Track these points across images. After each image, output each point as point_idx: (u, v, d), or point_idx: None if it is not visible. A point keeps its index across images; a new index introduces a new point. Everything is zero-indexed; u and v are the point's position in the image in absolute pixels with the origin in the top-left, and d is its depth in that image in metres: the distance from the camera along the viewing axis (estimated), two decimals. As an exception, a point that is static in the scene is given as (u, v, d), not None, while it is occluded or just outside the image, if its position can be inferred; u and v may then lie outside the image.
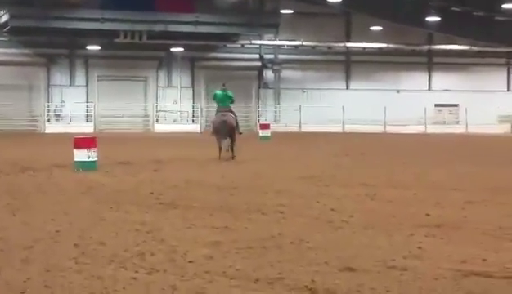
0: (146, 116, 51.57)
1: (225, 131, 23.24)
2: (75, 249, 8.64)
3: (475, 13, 50.24)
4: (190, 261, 8.02)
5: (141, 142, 34.88)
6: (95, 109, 49.76)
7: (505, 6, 43.99)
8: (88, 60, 51.10)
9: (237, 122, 24.32)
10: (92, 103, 50.44)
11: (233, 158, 23.26)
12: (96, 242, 9.03)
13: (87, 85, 51.29)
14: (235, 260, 8.06)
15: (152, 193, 13.80)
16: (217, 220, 10.89)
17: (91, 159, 18.60)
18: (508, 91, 58.45)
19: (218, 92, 24.20)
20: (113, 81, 50.73)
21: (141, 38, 47.90)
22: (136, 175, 17.69)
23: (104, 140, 26.15)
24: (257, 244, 8.92)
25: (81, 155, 18.51)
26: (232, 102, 24.35)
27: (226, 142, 23.30)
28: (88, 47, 50.01)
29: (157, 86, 52.34)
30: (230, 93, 24.24)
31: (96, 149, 18.76)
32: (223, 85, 24.44)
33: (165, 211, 11.83)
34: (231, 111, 24.08)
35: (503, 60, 57.98)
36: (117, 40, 47.73)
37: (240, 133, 24.75)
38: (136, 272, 7.54)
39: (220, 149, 23.27)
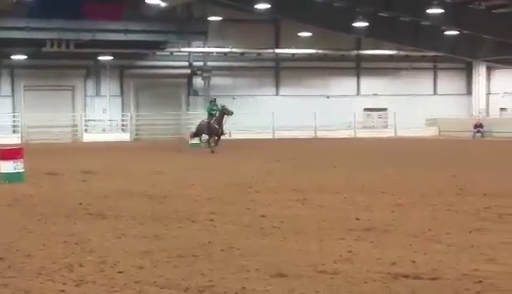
0: (75, 126, 50.90)
1: None
2: (1, 262, 8.48)
3: (402, 18, 50.86)
4: (119, 272, 7.94)
5: (70, 152, 34.43)
6: (21, 120, 48.95)
7: (430, 11, 44.60)
8: (14, 70, 50.14)
9: None
10: (18, 113, 49.60)
11: None
12: (23, 255, 8.88)
13: (13, 95, 50.35)
14: (165, 269, 8.01)
15: (81, 204, 13.63)
16: (147, 229, 10.81)
17: (17, 170, 18.28)
18: (435, 94, 59.31)
19: None
20: (40, 91, 49.83)
21: (68, 47, 47.21)
22: (65, 186, 17.45)
23: (31, 151, 25.78)
24: (187, 253, 8.88)
25: (7, 166, 18.19)
26: None
27: None
28: (14, 57, 49.12)
29: (85, 96, 51.64)
30: None
31: (22, 160, 18.44)
32: None
33: (94, 221, 11.70)
34: None
35: (430, 64, 58.84)
36: (44, 49, 47.05)
37: None
38: (65, 284, 7.43)
39: None
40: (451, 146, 39.52)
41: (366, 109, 57.05)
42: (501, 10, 46.93)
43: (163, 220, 11.65)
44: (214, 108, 33.32)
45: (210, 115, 33.12)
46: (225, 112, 32.53)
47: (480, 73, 57.32)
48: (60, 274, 7.83)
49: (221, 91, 53.09)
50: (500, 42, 50.25)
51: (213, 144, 32.20)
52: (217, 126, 32.32)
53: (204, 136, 33.95)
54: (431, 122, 55.76)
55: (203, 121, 34.08)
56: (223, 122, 32.60)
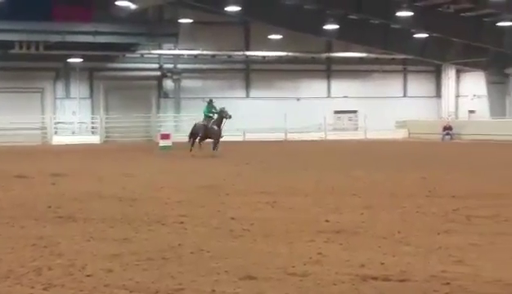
0: (44, 128, 50.55)
1: None
2: (-31, 266, 8.40)
3: (372, 21, 51.12)
4: (88, 275, 7.90)
5: (39, 155, 34.17)
6: (-10, 122, 48.56)
7: (399, 14, 44.88)
8: (-17, 72, 49.86)
9: None
10: (-14, 116, 49.21)
11: None
12: (-9, 259, 8.80)
13: (-19, 97, 50.03)
14: (135, 273, 7.97)
15: (50, 207, 13.53)
16: (116, 232, 10.77)
17: (-14, 173, 18.13)
18: (405, 96, 59.62)
19: None
20: (9, 93, 49.39)
21: (37, 49, 46.96)
22: (34, 188, 17.32)
23: (0, 154, 25.57)
24: (157, 255, 8.86)
25: (-24, 169, 18.04)
26: None
27: None
28: (-18, 59, 48.79)
29: (55, 98, 51.38)
30: None
31: (-9, 162, 18.31)
32: None
33: (63, 224, 11.63)
34: None
35: (399, 67, 59.13)
36: (12, 51, 46.72)
37: None
38: (33, 288, 7.38)
39: None
40: (420, 148, 39.75)
41: (336, 112, 57.20)
42: (469, 13, 47.35)
43: (133, 222, 11.61)
44: (212, 110, 31.86)
45: (207, 117, 31.68)
46: (223, 115, 31.21)
47: (449, 76, 57.76)
48: (29, 278, 7.77)
49: (191, 93, 53.06)
50: (469, 45, 50.73)
51: (218, 148, 30.78)
52: (216, 128, 31.07)
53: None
54: (401, 125, 56.03)
55: (198, 122, 32.43)
56: (222, 125, 31.23)
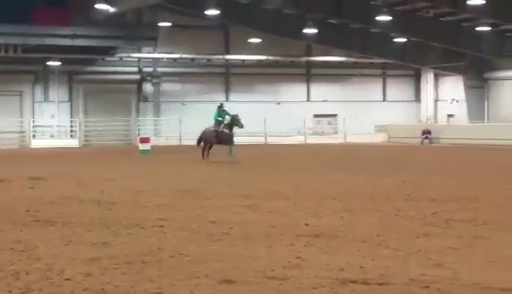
0: (23, 132, 50.31)
1: None
2: None
3: (351, 25, 51.24)
4: (67, 279, 7.85)
5: (17, 158, 33.99)
6: (-32, 126, 48.26)
7: (379, 18, 45.02)
8: (-40, 75, 49.54)
9: None
10: (-36, 119, 48.91)
11: None
12: (-32, 263, 8.73)
13: (-41, 101, 49.71)
14: (113, 277, 7.93)
15: (28, 211, 13.46)
16: (95, 235, 10.72)
17: (-36, 177, 18.01)
18: (384, 100, 59.83)
19: None
20: (-14, 96, 49.36)
21: (16, 52, 46.77)
22: (12, 192, 17.21)
23: (-22, 157, 25.42)
24: (136, 259, 8.82)
25: (-47, 173, 17.92)
26: None
27: None
28: (-40, 62, 48.48)
29: (33, 101, 51.13)
30: None
31: (-31, 166, 18.20)
32: None
33: (42, 228, 11.56)
34: None
35: (379, 71, 59.33)
36: (-10, 54, 46.52)
37: None
38: (10, 292, 7.33)
39: None
40: (399, 152, 39.89)
41: (316, 116, 57.27)
42: (448, 18, 47.57)
43: (111, 226, 11.56)
44: (223, 115, 30.79)
45: (218, 122, 30.53)
46: (235, 123, 30.27)
47: (428, 81, 58.02)
48: (6, 282, 7.71)
49: (171, 97, 53.03)
50: (448, 49, 50.97)
51: (233, 152, 29.49)
52: (227, 131, 29.90)
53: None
54: (380, 129, 56.18)
55: (208, 128, 31.13)
56: (232, 130, 30.19)
